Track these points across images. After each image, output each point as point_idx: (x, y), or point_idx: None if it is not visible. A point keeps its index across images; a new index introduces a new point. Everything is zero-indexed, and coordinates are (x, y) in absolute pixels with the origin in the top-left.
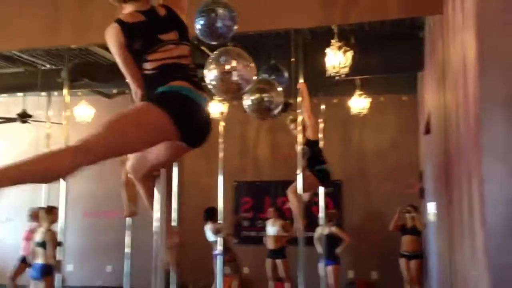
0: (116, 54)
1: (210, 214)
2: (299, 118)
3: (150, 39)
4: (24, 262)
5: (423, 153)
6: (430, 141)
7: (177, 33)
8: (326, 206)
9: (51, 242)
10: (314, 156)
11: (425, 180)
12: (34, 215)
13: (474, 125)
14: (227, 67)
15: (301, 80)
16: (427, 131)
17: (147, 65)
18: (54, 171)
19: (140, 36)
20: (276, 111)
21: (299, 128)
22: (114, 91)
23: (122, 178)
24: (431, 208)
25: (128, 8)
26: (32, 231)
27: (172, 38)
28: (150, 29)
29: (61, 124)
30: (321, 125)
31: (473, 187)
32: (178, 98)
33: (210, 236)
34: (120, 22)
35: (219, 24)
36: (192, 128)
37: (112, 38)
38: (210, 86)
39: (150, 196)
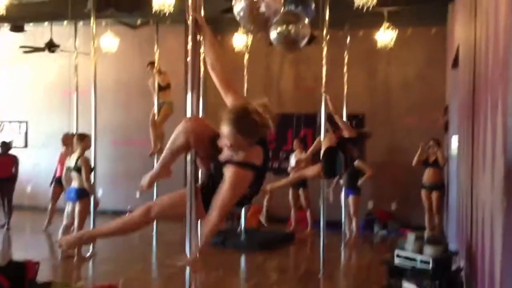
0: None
1: None
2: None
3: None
4: (59, 184)
5: (449, 87)
6: (458, 74)
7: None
8: None
9: (85, 168)
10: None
11: (450, 114)
12: (66, 141)
13: (503, 56)
14: None
15: (327, 12)
16: (455, 64)
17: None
18: None
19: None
20: (302, 44)
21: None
22: (139, 22)
23: (150, 119)
24: (454, 141)
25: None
26: (64, 155)
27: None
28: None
29: (88, 54)
30: (346, 58)
31: (498, 118)
32: None
33: None
34: (254, 168)
35: None
36: None
37: (241, 187)
38: (237, 18)
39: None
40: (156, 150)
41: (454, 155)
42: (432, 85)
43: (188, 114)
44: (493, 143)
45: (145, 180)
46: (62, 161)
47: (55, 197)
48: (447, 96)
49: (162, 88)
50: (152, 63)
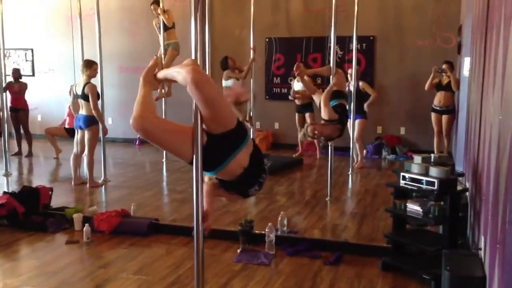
0: None
1: (224, 63)
2: None
3: None
4: (67, 132)
5: (464, 5)
6: None
7: None
8: (358, 63)
9: (92, 95)
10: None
11: (463, 34)
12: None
13: None
14: None
15: None
16: None
17: None
18: None
19: None
20: None
21: None
22: None
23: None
24: (467, 63)
25: None
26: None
27: None
28: None
29: None
30: None
31: (511, 29)
32: None
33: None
34: None
35: None
36: None
37: None
38: None
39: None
40: (162, 95)
41: (465, 76)
42: (446, 4)
43: (192, 41)
44: (504, 58)
45: None
46: (70, 113)
47: (54, 133)
48: (461, 16)
49: (168, 28)
50: (156, 2)
